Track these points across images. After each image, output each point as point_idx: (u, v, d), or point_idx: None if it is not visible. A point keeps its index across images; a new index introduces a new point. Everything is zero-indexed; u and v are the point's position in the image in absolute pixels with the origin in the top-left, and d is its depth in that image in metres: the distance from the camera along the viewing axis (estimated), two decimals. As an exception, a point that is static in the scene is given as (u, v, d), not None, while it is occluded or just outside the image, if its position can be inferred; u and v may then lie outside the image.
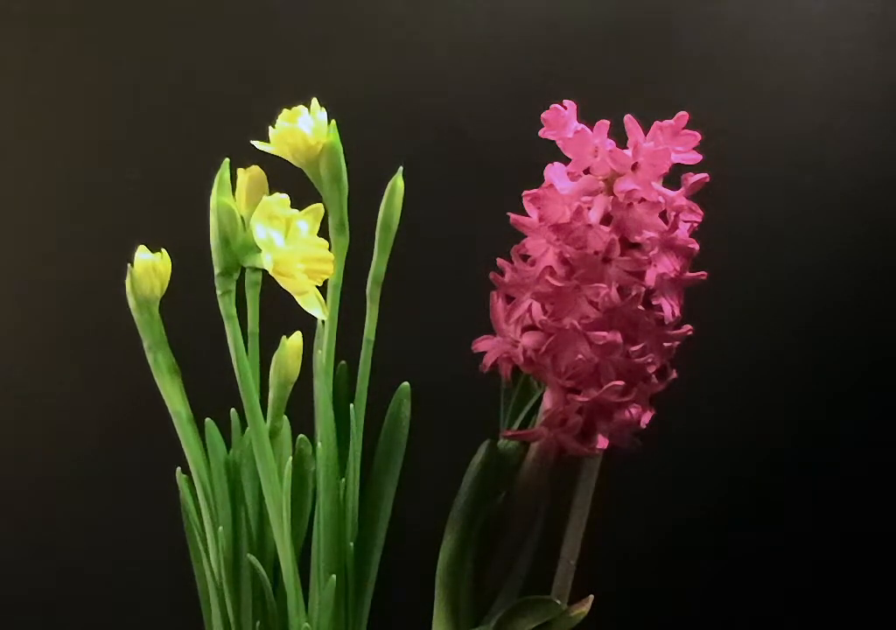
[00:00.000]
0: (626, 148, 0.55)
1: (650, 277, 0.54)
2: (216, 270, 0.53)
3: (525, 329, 0.56)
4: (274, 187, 0.54)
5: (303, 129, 0.55)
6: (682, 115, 0.55)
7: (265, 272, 0.53)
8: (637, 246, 0.54)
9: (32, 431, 0.78)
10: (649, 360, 0.55)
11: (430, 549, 0.59)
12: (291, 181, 0.54)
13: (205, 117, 0.77)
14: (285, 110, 0.56)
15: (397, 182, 0.59)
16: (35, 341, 0.78)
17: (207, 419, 0.58)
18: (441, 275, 0.75)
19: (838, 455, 0.78)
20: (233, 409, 0.58)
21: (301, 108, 0.56)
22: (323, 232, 0.53)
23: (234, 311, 0.53)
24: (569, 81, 0.75)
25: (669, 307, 0.55)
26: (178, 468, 0.58)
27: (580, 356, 0.54)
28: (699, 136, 0.55)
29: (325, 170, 0.56)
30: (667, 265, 0.55)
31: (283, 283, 0.51)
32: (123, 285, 0.56)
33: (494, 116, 0.76)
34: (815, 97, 0.76)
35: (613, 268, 0.54)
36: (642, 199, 0.54)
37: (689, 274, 0.56)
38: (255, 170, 0.55)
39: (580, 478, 0.61)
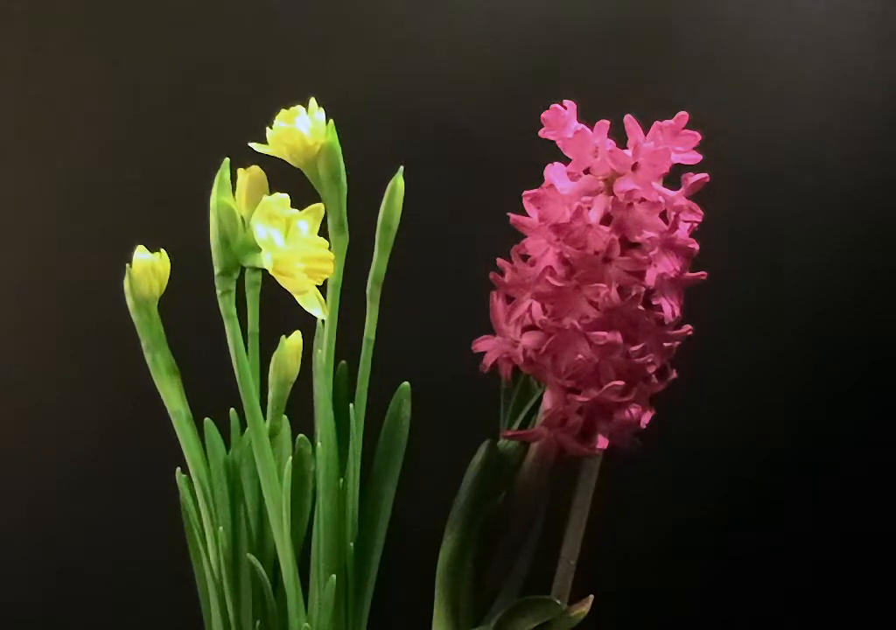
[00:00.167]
0: (626, 148, 0.55)
1: (650, 277, 0.54)
2: (216, 270, 0.53)
3: (525, 329, 0.56)
4: (274, 187, 0.54)
5: (300, 130, 0.55)
6: (682, 115, 0.55)
7: (265, 272, 0.53)
8: (637, 246, 0.54)
9: (32, 431, 0.78)
10: (649, 360, 0.55)
11: (430, 549, 0.59)
12: (291, 181, 0.54)
13: (205, 117, 0.77)
14: (283, 111, 0.56)
15: (398, 182, 0.59)
16: (35, 341, 0.78)
17: (207, 419, 0.58)
18: (441, 275, 0.75)
19: (838, 455, 0.78)
20: (232, 409, 0.58)
21: (298, 108, 0.56)
22: (322, 232, 0.53)
23: (233, 310, 0.53)
24: (569, 81, 0.75)
25: (669, 307, 0.55)
26: (178, 468, 0.58)
27: (580, 356, 0.54)
28: (699, 136, 0.55)
29: (324, 170, 0.56)
30: (667, 265, 0.55)
31: (284, 282, 0.51)
32: (123, 285, 0.56)
33: (494, 116, 0.76)
34: (815, 97, 0.76)
35: (613, 268, 0.54)
36: (642, 199, 0.54)
37: (689, 274, 0.56)
38: (256, 170, 0.55)
39: (580, 478, 0.61)
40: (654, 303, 0.55)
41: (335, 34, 0.76)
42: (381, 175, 0.59)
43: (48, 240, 0.78)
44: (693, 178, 0.55)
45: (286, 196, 0.52)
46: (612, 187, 0.54)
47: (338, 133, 0.56)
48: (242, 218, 0.53)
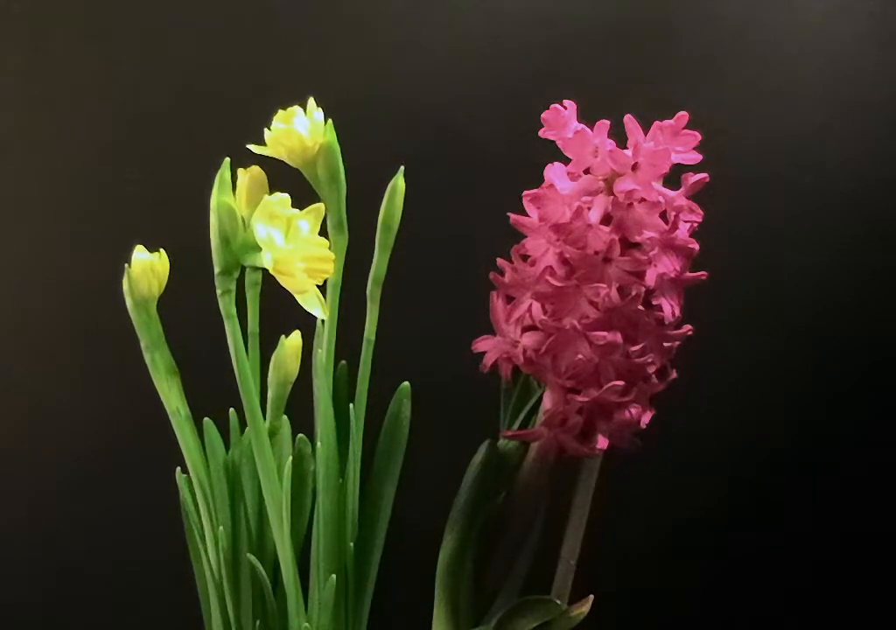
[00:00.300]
0: (626, 148, 0.54)
1: (650, 277, 0.54)
2: (216, 270, 0.53)
3: (525, 329, 0.56)
4: (274, 187, 0.54)
5: (299, 131, 0.55)
6: (682, 115, 0.55)
7: (265, 272, 0.53)
8: (637, 246, 0.54)
9: (32, 431, 0.78)
10: (649, 360, 0.55)
11: (430, 549, 0.59)
12: (291, 181, 0.54)
13: (205, 117, 0.77)
14: (280, 111, 0.56)
15: (398, 182, 0.59)
16: (35, 341, 0.78)
17: (206, 419, 0.58)
18: (441, 275, 0.75)
19: (838, 455, 0.78)
20: (231, 409, 0.58)
21: (296, 108, 0.56)
22: (322, 232, 0.53)
23: (234, 310, 0.53)
24: (569, 81, 0.75)
25: (669, 307, 0.55)
26: (178, 468, 0.58)
27: (580, 356, 0.54)
28: (699, 136, 0.55)
29: (323, 170, 0.56)
30: (667, 265, 0.55)
31: (284, 282, 0.51)
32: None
33: (494, 116, 0.76)
34: (815, 97, 0.76)
35: (613, 268, 0.54)
36: (642, 199, 0.54)
37: (689, 274, 0.56)
38: (256, 170, 0.55)
39: (580, 478, 0.61)
40: (654, 303, 0.55)
41: (335, 34, 0.76)
42: (381, 175, 0.59)
43: (48, 240, 0.78)
44: (693, 178, 0.55)
45: (287, 196, 0.52)
46: (612, 187, 0.54)
47: (338, 133, 0.56)
48: (243, 218, 0.53)
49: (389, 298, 0.60)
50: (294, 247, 0.51)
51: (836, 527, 0.78)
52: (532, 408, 0.60)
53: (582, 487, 0.61)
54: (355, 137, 0.58)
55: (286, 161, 0.56)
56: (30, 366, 0.78)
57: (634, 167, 0.54)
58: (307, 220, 0.52)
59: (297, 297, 0.51)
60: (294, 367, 0.59)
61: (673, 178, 0.55)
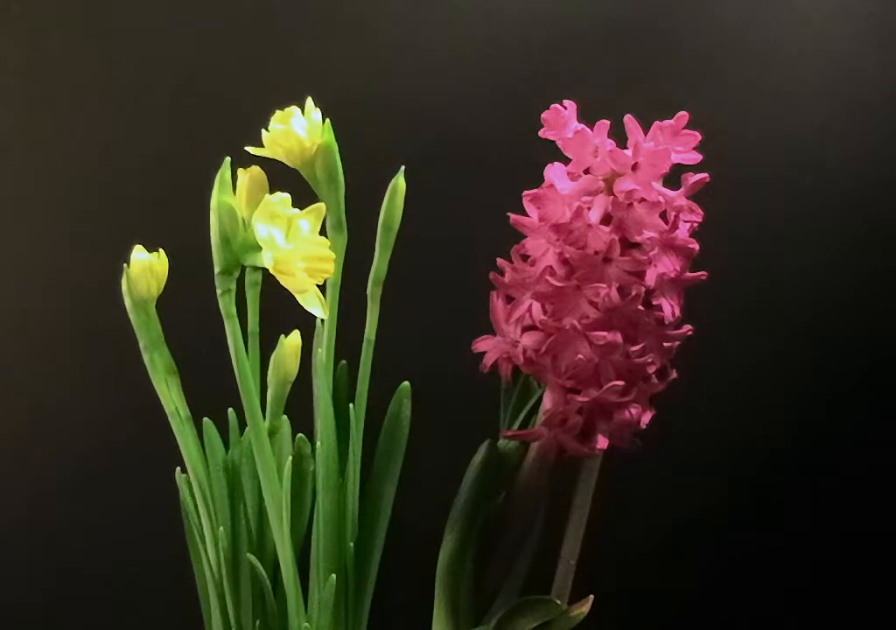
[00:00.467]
0: (626, 148, 0.55)
1: (650, 277, 0.54)
2: (216, 269, 0.53)
3: (525, 329, 0.56)
4: (274, 187, 0.54)
5: (296, 131, 0.55)
6: (682, 115, 0.55)
7: (265, 271, 0.53)
8: (637, 246, 0.54)
9: (32, 431, 0.78)
10: (649, 360, 0.55)
11: (430, 549, 0.59)
12: (291, 181, 0.54)
13: (205, 117, 0.77)
14: (277, 112, 0.56)
15: (399, 182, 0.59)
16: (35, 341, 0.78)
17: (206, 419, 0.58)
18: (441, 275, 0.75)
19: (838, 455, 0.78)
20: (230, 409, 0.58)
21: (293, 108, 0.56)
22: (321, 231, 0.53)
23: (234, 310, 0.53)
24: (569, 81, 0.75)
25: (669, 307, 0.55)
26: (178, 468, 0.58)
27: (580, 356, 0.54)
28: (699, 136, 0.55)
29: (321, 170, 0.56)
30: (667, 265, 0.55)
31: (284, 281, 0.51)
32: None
33: (494, 116, 0.76)
34: (815, 97, 0.76)
35: (613, 268, 0.54)
36: (642, 199, 0.54)
37: (689, 274, 0.56)
38: (256, 170, 0.55)
39: (580, 478, 0.61)
40: (654, 303, 0.55)
41: (335, 34, 0.76)
42: (381, 175, 0.59)
43: (48, 240, 0.78)
44: (693, 178, 0.55)
45: (287, 195, 0.52)
46: (612, 187, 0.54)
47: (338, 133, 0.56)
48: (243, 218, 0.53)
49: (389, 298, 0.60)
50: (295, 246, 0.51)
51: (836, 527, 0.78)
52: (532, 408, 0.60)
53: (582, 487, 0.61)
54: (355, 137, 0.58)
55: (284, 162, 0.56)
56: (30, 366, 0.78)
57: (634, 167, 0.54)
58: (308, 219, 0.52)
59: (298, 297, 0.51)
60: (293, 366, 0.59)
61: (673, 178, 0.55)
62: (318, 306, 0.52)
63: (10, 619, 0.79)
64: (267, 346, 0.58)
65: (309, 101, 0.56)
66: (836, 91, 0.76)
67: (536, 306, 0.55)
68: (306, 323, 0.58)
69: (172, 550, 0.63)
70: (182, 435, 0.57)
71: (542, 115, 0.55)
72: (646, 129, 0.55)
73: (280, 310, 0.54)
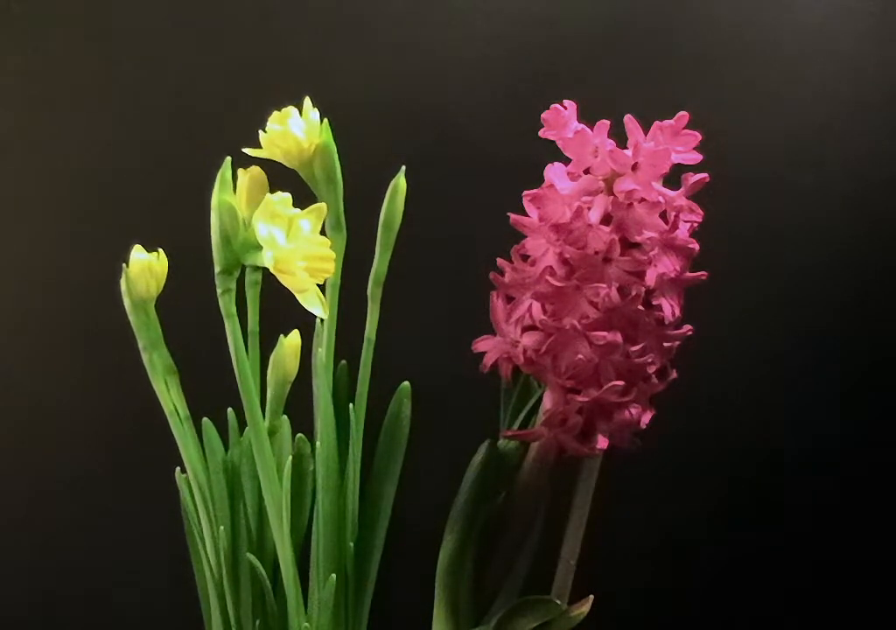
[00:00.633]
0: (626, 148, 0.55)
1: (650, 277, 0.54)
2: (216, 269, 0.53)
3: (525, 329, 0.56)
4: (274, 187, 0.54)
5: (294, 132, 0.55)
6: (682, 115, 0.55)
7: (264, 271, 0.53)
8: (637, 246, 0.54)
9: (32, 431, 0.78)
10: (649, 360, 0.55)
11: (430, 549, 0.59)
12: (292, 181, 0.54)
13: (205, 117, 0.77)
14: (275, 113, 0.56)
15: (399, 182, 0.59)
16: (35, 341, 0.78)
17: (205, 419, 0.58)
18: (441, 275, 0.75)
19: (838, 455, 0.78)
20: (230, 409, 0.58)
21: (290, 109, 0.56)
22: (320, 232, 0.53)
23: (234, 309, 0.53)
24: (569, 81, 0.75)
25: (669, 307, 0.55)
26: (178, 468, 0.58)
27: (580, 356, 0.54)
28: (699, 136, 0.55)
29: (320, 170, 0.56)
30: (667, 265, 0.55)
31: (284, 280, 0.51)
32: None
33: (494, 116, 0.76)
34: (815, 97, 0.76)
35: (613, 268, 0.54)
36: (642, 199, 0.54)
37: (689, 274, 0.56)
38: (256, 170, 0.55)
39: (580, 478, 0.61)
40: (654, 303, 0.55)
41: (335, 34, 0.76)
42: (381, 175, 0.59)
43: (47, 239, 0.78)
44: (693, 178, 0.55)
45: (288, 195, 0.52)
46: (612, 187, 0.54)
47: (338, 133, 0.56)
48: (243, 218, 0.53)
49: (389, 298, 0.60)
50: (295, 246, 0.51)
51: (836, 527, 0.78)
52: (532, 408, 0.60)
53: (582, 487, 0.61)
54: (355, 137, 0.58)
55: (282, 162, 0.56)
56: (30, 366, 0.78)
57: (634, 167, 0.54)
58: (308, 219, 0.52)
59: (298, 296, 0.51)
60: (293, 366, 0.59)
61: (673, 178, 0.55)
62: (318, 306, 0.52)
63: (10, 619, 0.79)
64: (267, 346, 0.58)
65: (307, 101, 0.56)
66: (836, 91, 0.76)
67: (536, 306, 0.55)
68: (306, 323, 0.58)
69: (172, 550, 0.63)
70: (181, 435, 0.57)
71: (542, 115, 0.55)
72: (646, 129, 0.55)
73: (280, 310, 0.54)
